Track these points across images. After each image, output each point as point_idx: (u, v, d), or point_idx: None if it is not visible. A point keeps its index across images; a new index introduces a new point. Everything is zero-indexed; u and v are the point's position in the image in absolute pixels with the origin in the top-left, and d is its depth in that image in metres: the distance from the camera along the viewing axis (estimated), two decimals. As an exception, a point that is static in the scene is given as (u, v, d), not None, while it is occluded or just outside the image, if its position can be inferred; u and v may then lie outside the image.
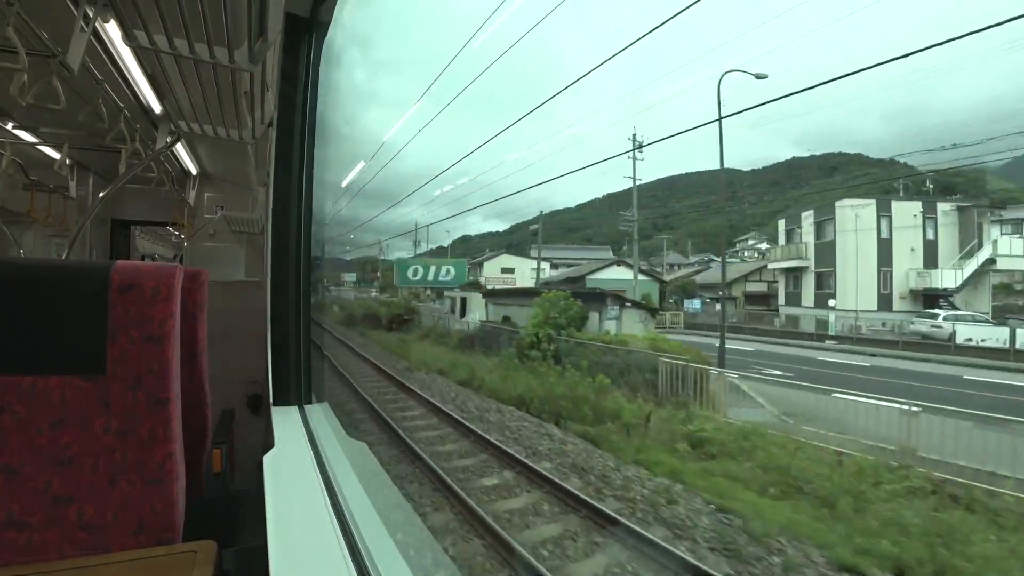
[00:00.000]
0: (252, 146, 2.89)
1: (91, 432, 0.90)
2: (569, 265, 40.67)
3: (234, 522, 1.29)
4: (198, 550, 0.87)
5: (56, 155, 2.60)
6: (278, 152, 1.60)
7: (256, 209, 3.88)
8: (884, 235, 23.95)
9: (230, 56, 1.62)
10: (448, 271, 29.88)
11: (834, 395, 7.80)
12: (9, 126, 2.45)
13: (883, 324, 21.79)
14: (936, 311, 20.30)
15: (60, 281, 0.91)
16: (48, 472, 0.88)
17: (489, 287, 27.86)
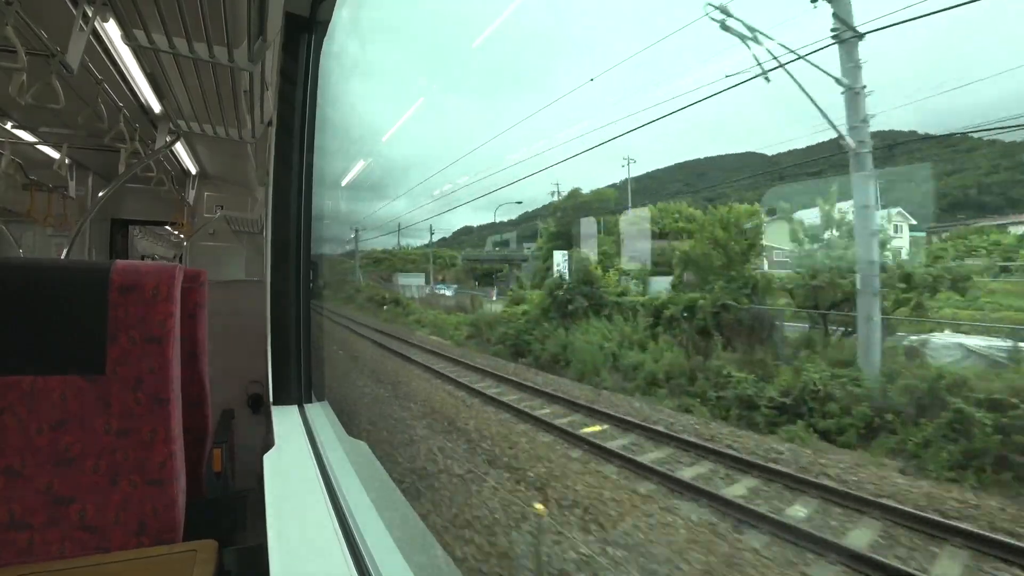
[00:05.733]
0: (252, 145, 2.89)
1: (92, 432, 0.90)
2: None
3: (235, 521, 1.29)
4: (199, 549, 0.87)
5: (55, 155, 2.59)
6: (278, 151, 1.60)
7: (256, 209, 3.88)
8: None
9: (229, 55, 1.61)
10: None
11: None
12: (8, 126, 2.45)
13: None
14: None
15: (60, 281, 0.91)
16: (49, 472, 0.88)
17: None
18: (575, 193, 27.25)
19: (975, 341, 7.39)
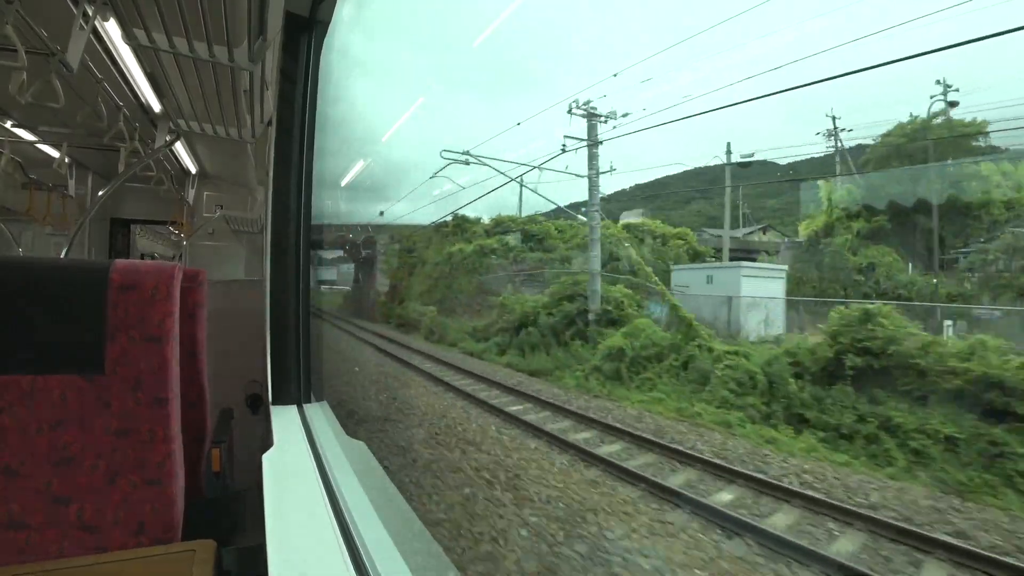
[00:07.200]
0: (251, 145, 2.89)
1: (91, 432, 0.90)
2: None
3: (233, 521, 1.29)
4: (197, 549, 0.87)
5: (55, 153, 2.60)
6: (277, 151, 1.60)
7: (255, 208, 3.88)
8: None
9: (229, 55, 1.62)
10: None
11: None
12: (8, 124, 2.45)
13: None
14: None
15: (59, 280, 0.91)
16: (48, 472, 0.88)
17: None
18: (926, 123, 12.79)
19: None
